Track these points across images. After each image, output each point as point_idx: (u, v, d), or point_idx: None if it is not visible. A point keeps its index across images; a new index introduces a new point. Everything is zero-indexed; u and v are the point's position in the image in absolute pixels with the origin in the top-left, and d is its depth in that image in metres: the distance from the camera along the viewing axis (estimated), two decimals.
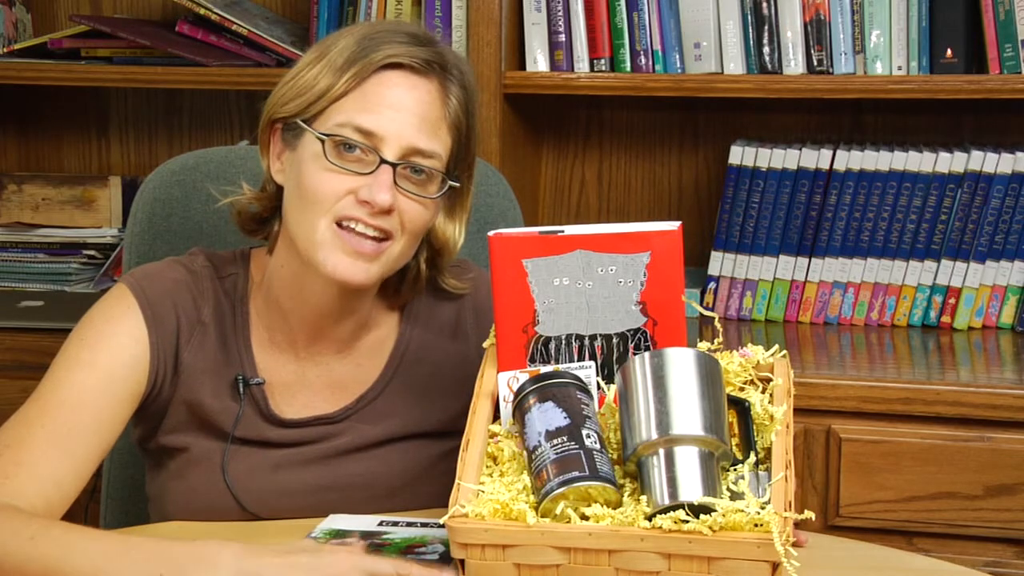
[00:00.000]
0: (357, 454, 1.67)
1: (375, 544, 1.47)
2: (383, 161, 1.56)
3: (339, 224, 1.57)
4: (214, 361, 1.66)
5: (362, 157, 1.57)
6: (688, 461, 1.31)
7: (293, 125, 1.60)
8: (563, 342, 1.51)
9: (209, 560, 1.35)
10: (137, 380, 1.62)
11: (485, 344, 1.55)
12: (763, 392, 1.46)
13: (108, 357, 1.60)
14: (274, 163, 1.65)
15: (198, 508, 1.63)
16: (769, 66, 2.49)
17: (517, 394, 1.42)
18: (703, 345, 1.47)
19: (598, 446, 1.35)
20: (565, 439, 1.35)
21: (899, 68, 2.46)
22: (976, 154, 2.48)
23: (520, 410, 1.41)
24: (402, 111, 1.58)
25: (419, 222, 1.61)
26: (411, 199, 1.59)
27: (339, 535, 1.52)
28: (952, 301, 2.54)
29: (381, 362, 1.72)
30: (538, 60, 2.58)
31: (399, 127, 1.57)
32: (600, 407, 1.46)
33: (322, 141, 1.56)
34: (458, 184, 1.65)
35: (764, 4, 2.47)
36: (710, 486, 1.30)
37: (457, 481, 1.36)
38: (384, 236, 1.58)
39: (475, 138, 1.67)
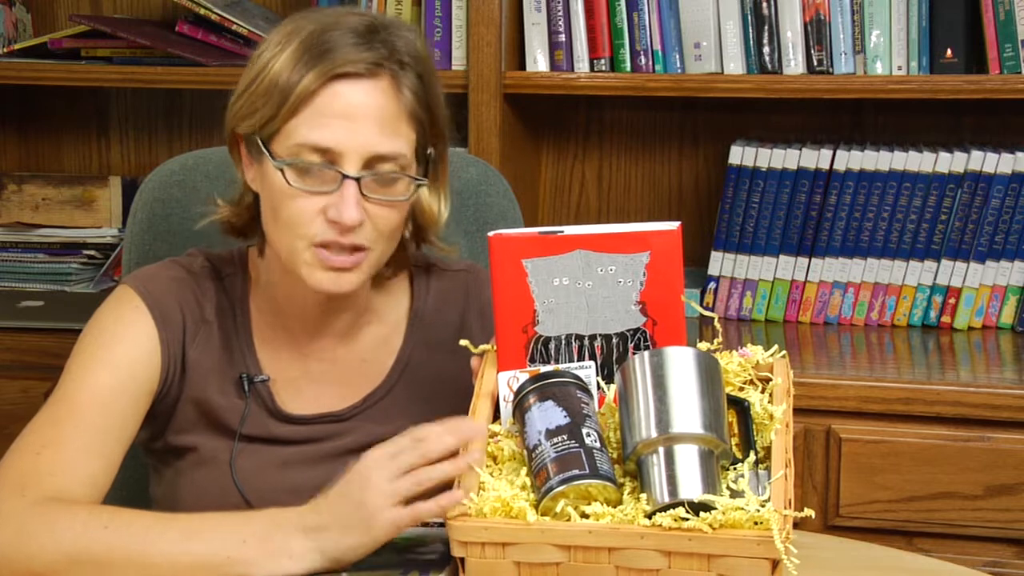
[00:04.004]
0: (364, 452, 1.68)
1: None
2: (345, 176, 1.54)
3: (317, 246, 1.56)
4: (219, 360, 1.67)
5: (323, 174, 1.54)
6: (688, 459, 1.31)
7: (254, 140, 1.59)
8: (563, 342, 1.51)
9: (281, 524, 1.42)
10: (151, 378, 1.63)
11: (481, 348, 1.54)
12: (763, 392, 1.46)
13: (125, 356, 1.61)
14: (247, 171, 1.64)
15: (206, 506, 1.63)
16: (769, 66, 2.49)
17: (517, 393, 1.42)
18: (703, 345, 1.47)
19: (598, 445, 1.35)
20: (565, 438, 1.35)
21: (899, 68, 2.46)
22: (976, 154, 2.48)
23: (520, 409, 1.41)
24: (356, 120, 1.54)
25: (392, 224, 1.59)
26: (381, 204, 1.57)
27: None
28: (952, 301, 2.54)
29: (388, 361, 1.73)
30: (538, 60, 2.58)
31: (355, 137, 1.54)
32: (600, 407, 1.46)
33: (281, 170, 1.55)
34: (426, 182, 1.63)
35: (764, 4, 2.47)
36: (710, 484, 1.30)
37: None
38: (360, 249, 1.57)
39: (442, 113, 1.64)
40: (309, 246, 1.56)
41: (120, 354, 1.61)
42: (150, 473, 1.76)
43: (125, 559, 1.41)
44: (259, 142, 1.57)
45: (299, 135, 1.54)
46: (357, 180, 1.54)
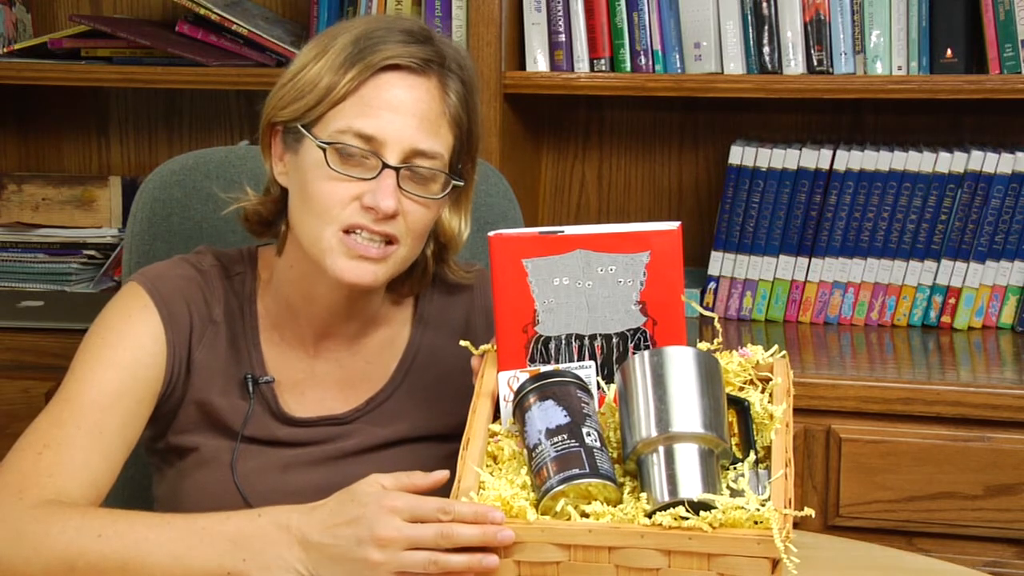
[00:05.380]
0: (365, 455, 1.67)
1: None
2: (385, 165, 1.55)
3: (345, 231, 1.57)
4: (224, 360, 1.67)
5: (364, 162, 1.56)
6: (688, 458, 1.31)
7: (293, 129, 1.60)
8: (563, 342, 1.51)
9: (280, 541, 1.40)
10: (156, 378, 1.63)
11: (481, 348, 1.55)
12: (763, 392, 1.46)
13: (131, 356, 1.60)
14: (277, 165, 1.65)
15: (208, 507, 1.63)
16: (769, 66, 2.49)
17: (517, 393, 1.42)
18: (703, 345, 1.47)
19: (598, 444, 1.35)
20: (565, 437, 1.35)
21: (899, 68, 2.46)
22: (976, 154, 2.48)
23: (520, 409, 1.41)
24: (401, 113, 1.57)
25: (423, 223, 1.61)
26: (415, 201, 1.58)
27: None
28: (952, 301, 2.54)
29: (392, 363, 1.72)
30: (538, 60, 2.58)
31: (399, 129, 1.56)
32: (600, 407, 1.46)
33: (323, 150, 1.56)
34: (462, 182, 1.64)
35: (764, 4, 2.47)
36: (710, 483, 1.30)
37: (457, 479, 1.36)
38: (390, 240, 1.58)
39: (478, 130, 1.67)
40: (337, 231, 1.56)
41: (126, 354, 1.60)
42: (152, 473, 1.76)
43: (119, 569, 1.41)
44: (300, 128, 1.58)
45: (343, 121, 1.56)
46: (396, 171, 1.56)
